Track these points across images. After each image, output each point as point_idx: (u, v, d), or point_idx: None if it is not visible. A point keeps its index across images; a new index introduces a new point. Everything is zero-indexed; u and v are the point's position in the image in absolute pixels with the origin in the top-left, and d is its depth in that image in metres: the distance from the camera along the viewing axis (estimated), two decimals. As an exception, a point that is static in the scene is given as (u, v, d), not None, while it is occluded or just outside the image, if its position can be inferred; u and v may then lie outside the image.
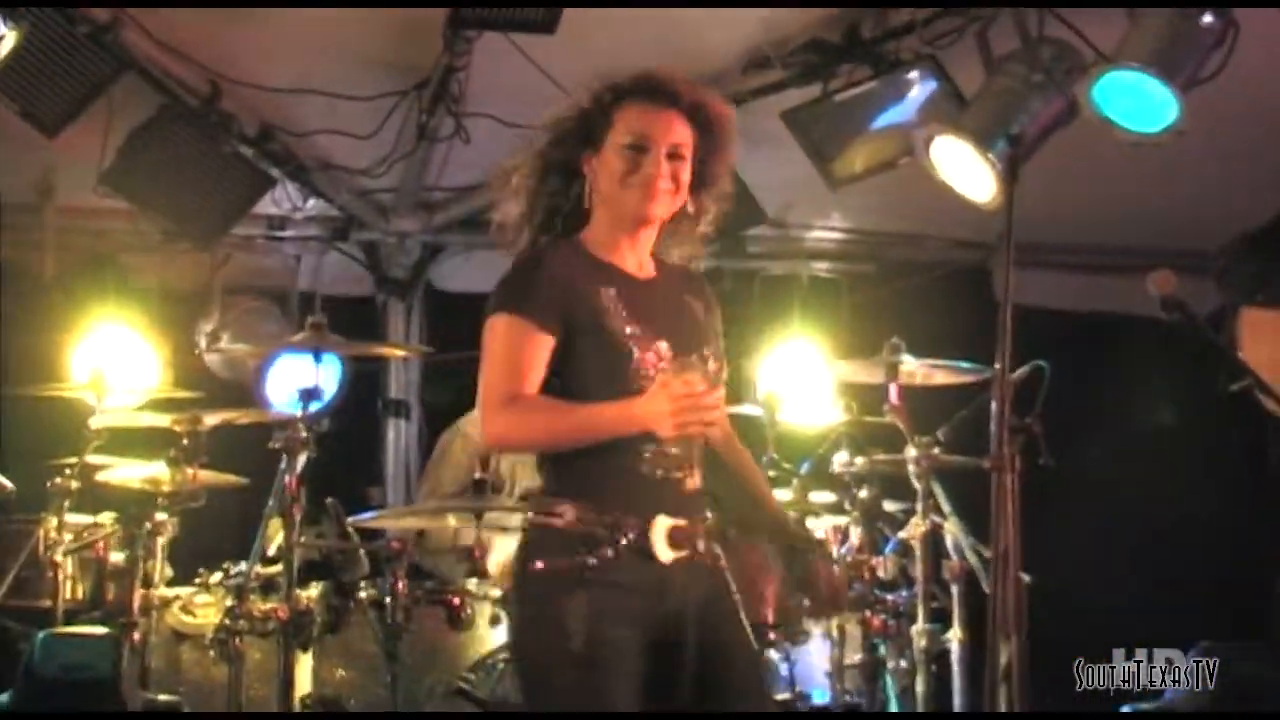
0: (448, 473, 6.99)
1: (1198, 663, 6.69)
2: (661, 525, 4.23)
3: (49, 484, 6.51)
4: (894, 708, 6.57)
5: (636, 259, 4.43)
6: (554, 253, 4.37)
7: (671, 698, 4.24)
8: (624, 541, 4.20)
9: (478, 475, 6.63)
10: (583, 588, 4.19)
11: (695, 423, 4.15)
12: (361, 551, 6.39)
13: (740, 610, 4.42)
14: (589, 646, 4.15)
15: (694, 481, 4.33)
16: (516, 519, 6.66)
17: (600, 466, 4.23)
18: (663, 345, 4.28)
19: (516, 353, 4.27)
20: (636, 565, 4.20)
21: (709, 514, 4.41)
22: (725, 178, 4.50)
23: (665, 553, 4.23)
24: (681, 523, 4.26)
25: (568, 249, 4.38)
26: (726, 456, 4.58)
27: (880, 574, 6.45)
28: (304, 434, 6.11)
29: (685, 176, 4.38)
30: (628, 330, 4.27)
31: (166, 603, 6.39)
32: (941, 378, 6.68)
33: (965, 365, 6.59)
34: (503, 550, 6.70)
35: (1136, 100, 6.57)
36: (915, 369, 6.60)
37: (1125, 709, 6.77)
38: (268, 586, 6.28)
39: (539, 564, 4.25)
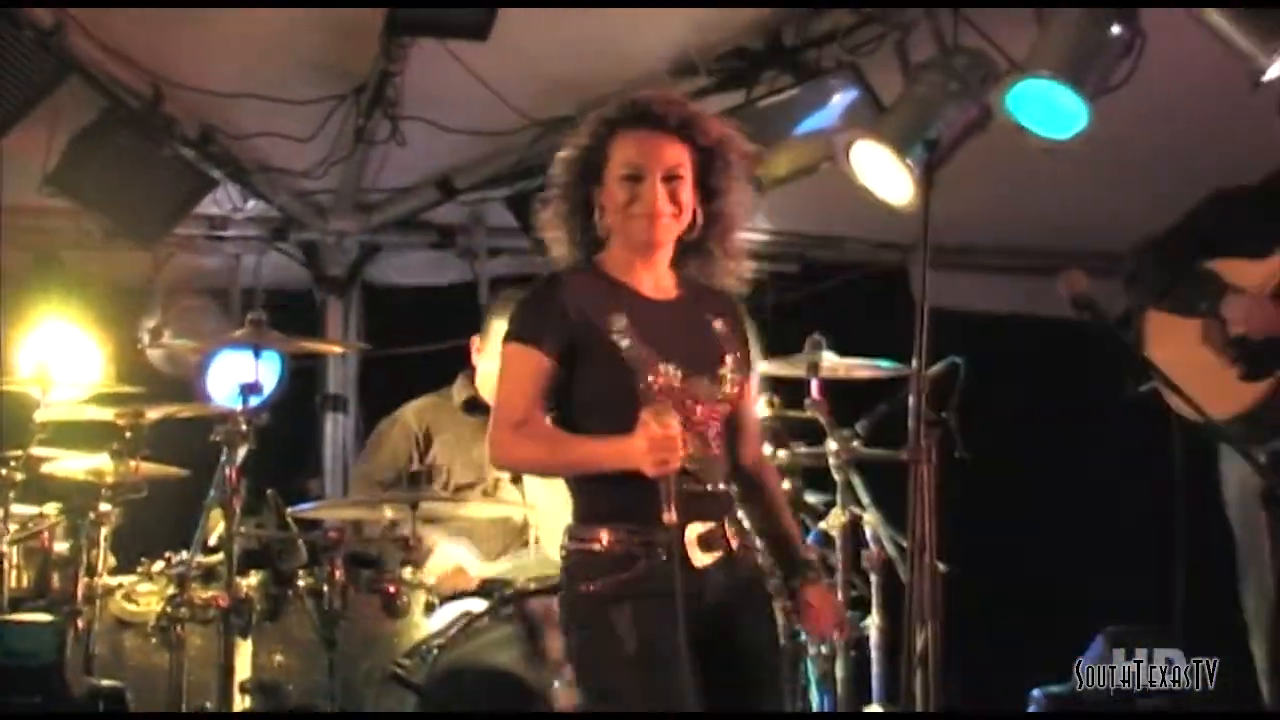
0: (385, 457, 7.06)
1: (1105, 646, 6.91)
2: (692, 533, 4.38)
3: (-6, 476, 6.53)
4: (814, 693, 6.69)
5: (653, 280, 4.53)
6: (570, 278, 4.49)
7: (719, 692, 4.37)
8: (660, 555, 4.34)
9: (414, 467, 6.74)
10: (628, 601, 4.35)
11: (672, 462, 4.23)
12: (300, 541, 6.42)
13: (771, 600, 4.64)
14: (643, 649, 4.31)
15: (717, 483, 4.47)
16: (448, 509, 6.84)
17: (626, 483, 4.32)
18: (671, 367, 4.39)
19: (524, 381, 4.41)
20: (673, 574, 4.30)
21: (737, 512, 4.58)
22: (733, 190, 4.56)
23: (700, 558, 4.39)
24: (710, 526, 4.41)
25: (585, 274, 4.50)
26: (755, 479, 4.73)
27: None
28: (244, 427, 6.24)
29: (686, 196, 4.46)
30: (637, 353, 4.38)
31: (110, 591, 6.41)
32: (861, 374, 6.81)
33: (884, 362, 6.72)
34: (442, 556, 6.85)
35: (1048, 107, 6.72)
36: (836, 365, 6.74)
37: (1035, 692, 6.97)
38: (208, 575, 6.34)
39: (585, 587, 4.42)
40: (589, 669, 4.44)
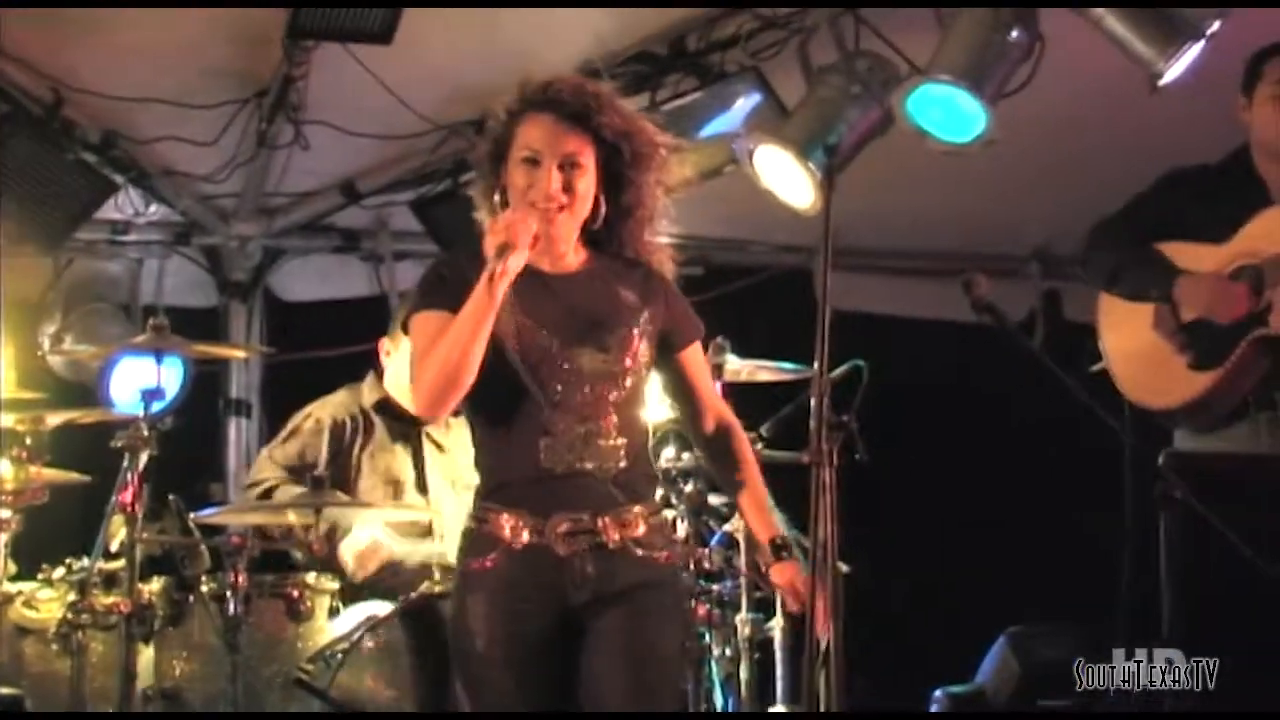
0: (293, 447, 7.03)
1: (1007, 647, 6.99)
2: (555, 523, 4.36)
3: (-107, 484, 6.44)
4: (718, 694, 6.72)
5: (553, 256, 4.49)
6: (470, 257, 4.44)
7: (580, 691, 4.38)
8: (523, 541, 4.35)
9: (318, 471, 6.70)
10: (482, 589, 4.37)
11: (515, 240, 4.22)
12: (203, 546, 6.42)
13: (670, 602, 4.53)
14: (489, 645, 4.34)
15: (605, 469, 4.41)
16: (351, 514, 6.82)
17: (505, 464, 4.38)
18: (551, 339, 4.38)
19: (429, 340, 4.36)
20: (536, 563, 4.34)
21: (635, 502, 4.46)
22: (642, 182, 4.52)
23: (561, 548, 4.36)
24: (579, 516, 4.37)
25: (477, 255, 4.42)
26: (719, 447, 4.72)
27: (705, 565, 6.55)
28: (146, 433, 6.19)
29: (584, 186, 4.43)
30: (514, 323, 4.35)
31: (9, 598, 6.35)
32: (765, 376, 6.81)
33: (787, 365, 6.73)
34: (357, 536, 6.82)
35: (948, 111, 6.78)
36: (740, 368, 6.73)
37: (937, 692, 7.03)
38: (110, 581, 6.28)
39: (461, 564, 4.47)
40: (455, 652, 4.47)
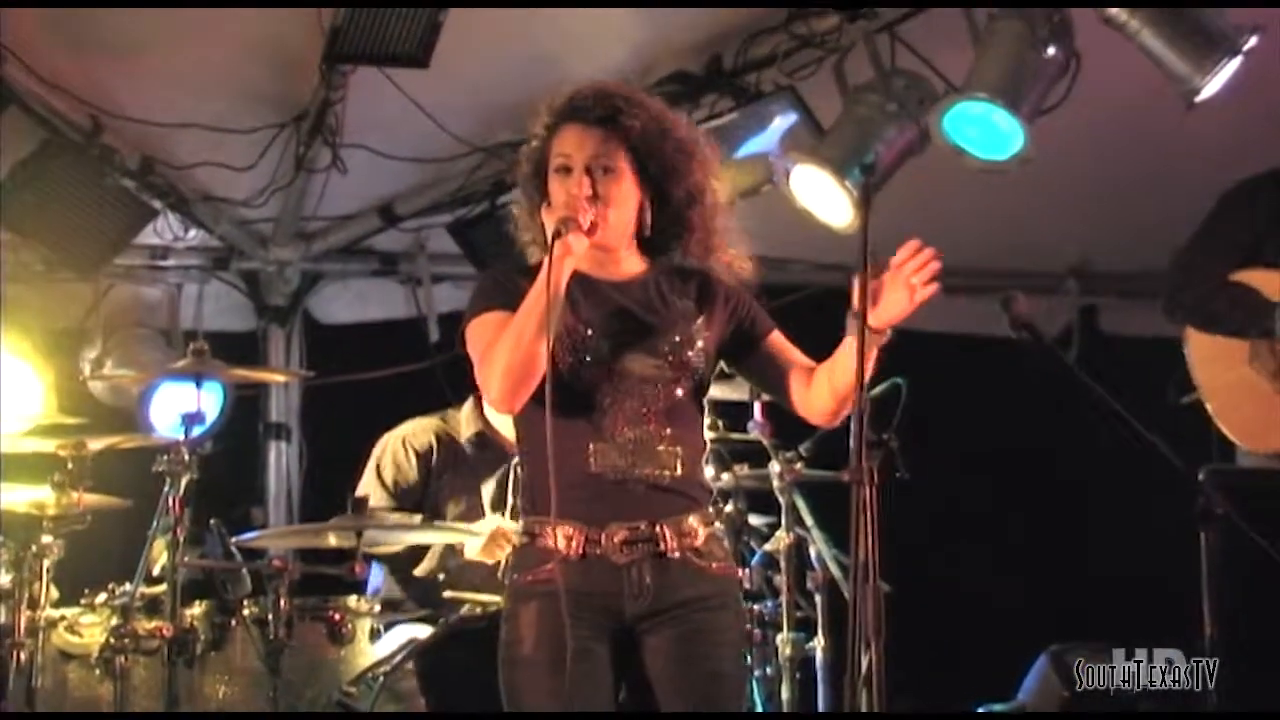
0: (388, 474, 6.99)
1: (1049, 665, 6.96)
2: (611, 532, 4.32)
3: (-64, 510, 6.46)
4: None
5: (607, 263, 4.46)
6: (510, 268, 4.47)
7: (634, 698, 4.37)
8: (579, 551, 4.31)
9: (358, 494, 6.68)
10: (536, 598, 4.32)
11: (576, 212, 4.24)
12: (244, 570, 6.44)
13: (733, 621, 4.48)
14: (536, 650, 4.29)
15: (661, 477, 4.37)
16: (395, 536, 6.82)
17: (556, 476, 4.24)
18: (596, 340, 4.35)
19: (493, 336, 4.33)
20: (593, 574, 4.30)
21: (692, 511, 4.41)
22: (687, 173, 4.46)
23: (619, 557, 4.33)
24: (636, 525, 4.33)
25: (526, 269, 4.41)
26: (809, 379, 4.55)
27: (747, 585, 6.54)
28: (187, 457, 6.22)
29: (617, 190, 4.37)
30: (564, 327, 4.29)
31: (52, 623, 6.35)
32: (804, 396, 6.84)
33: (827, 383, 6.75)
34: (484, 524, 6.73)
35: (984, 129, 6.77)
36: (779, 387, 6.77)
37: (980, 711, 7.01)
38: (152, 606, 6.29)
39: (510, 578, 4.44)
40: (501, 662, 4.39)
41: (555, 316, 4.24)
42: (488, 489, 6.95)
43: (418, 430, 7.05)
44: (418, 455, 6.96)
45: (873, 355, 4.35)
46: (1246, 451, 6.13)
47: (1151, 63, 6.54)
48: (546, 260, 4.24)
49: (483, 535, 6.53)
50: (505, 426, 6.82)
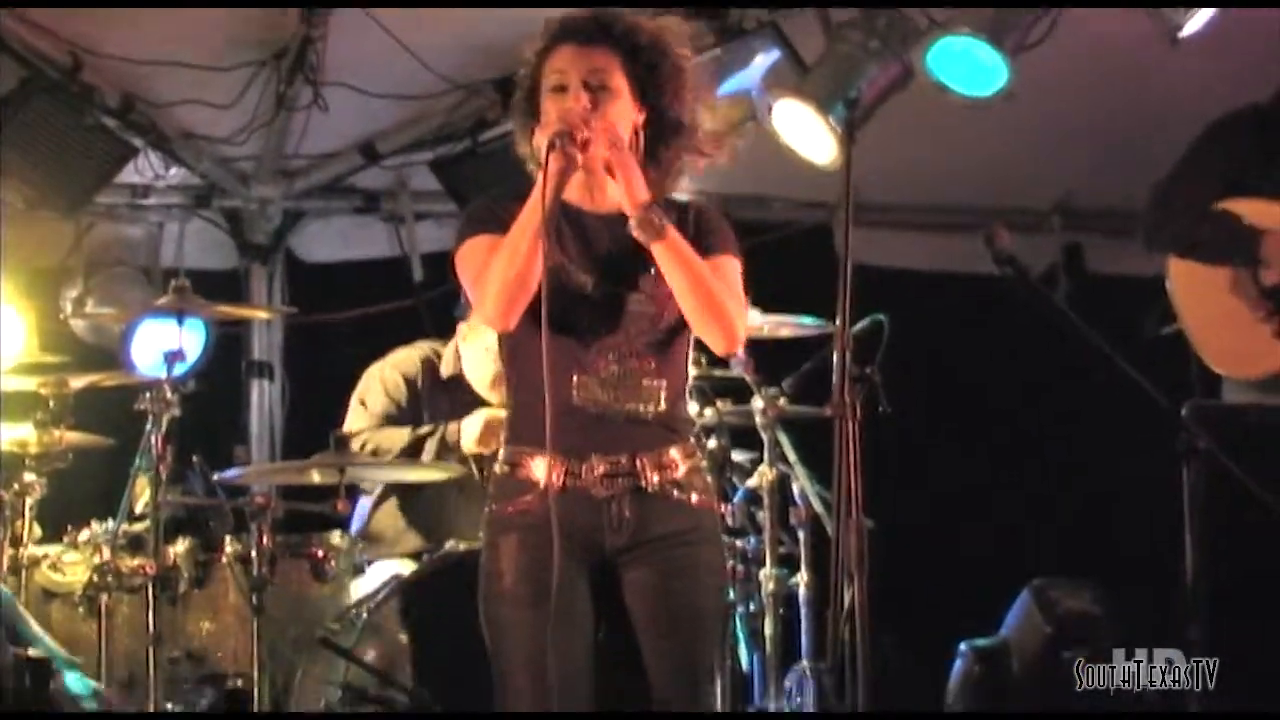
0: (378, 402, 6.99)
1: (1033, 599, 6.99)
2: (592, 465, 4.30)
3: (-83, 449, 6.47)
4: (743, 650, 6.75)
5: (595, 193, 4.42)
6: (500, 194, 4.43)
7: (614, 634, 4.35)
8: (558, 484, 4.27)
9: (337, 433, 6.68)
10: (515, 530, 4.31)
11: (572, 126, 4.19)
12: (227, 508, 6.47)
13: (712, 556, 4.45)
14: (517, 584, 4.27)
15: (643, 411, 4.35)
16: (376, 473, 6.82)
17: (539, 404, 4.21)
18: (587, 278, 4.33)
19: (482, 263, 4.32)
20: (573, 506, 4.27)
21: (673, 444, 4.39)
22: (678, 93, 4.41)
23: (599, 490, 4.32)
24: (618, 458, 4.31)
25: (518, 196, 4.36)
26: None
27: (729, 521, 6.57)
28: (169, 395, 6.23)
29: (611, 107, 4.32)
30: (554, 263, 4.25)
31: (35, 561, 6.39)
32: (786, 332, 6.79)
33: (809, 320, 6.70)
34: (472, 421, 6.73)
35: (969, 65, 6.77)
36: (761, 324, 6.67)
37: (962, 646, 7.04)
38: (135, 543, 6.32)
39: (489, 508, 4.41)
40: (482, 596, 4.38)
41: (552, 229, 4.24)
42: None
43: (405, 357, 7.06)
44: (405, 380, 6.97)
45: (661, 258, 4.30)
46: (1232, 386, 6.13)
47: (1135, -1, 6.54)
48: (541, 174, 4.23)
49: (478, 424, 6.54)
50: (478, 379, 6.88)
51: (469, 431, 6.59)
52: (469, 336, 6.87)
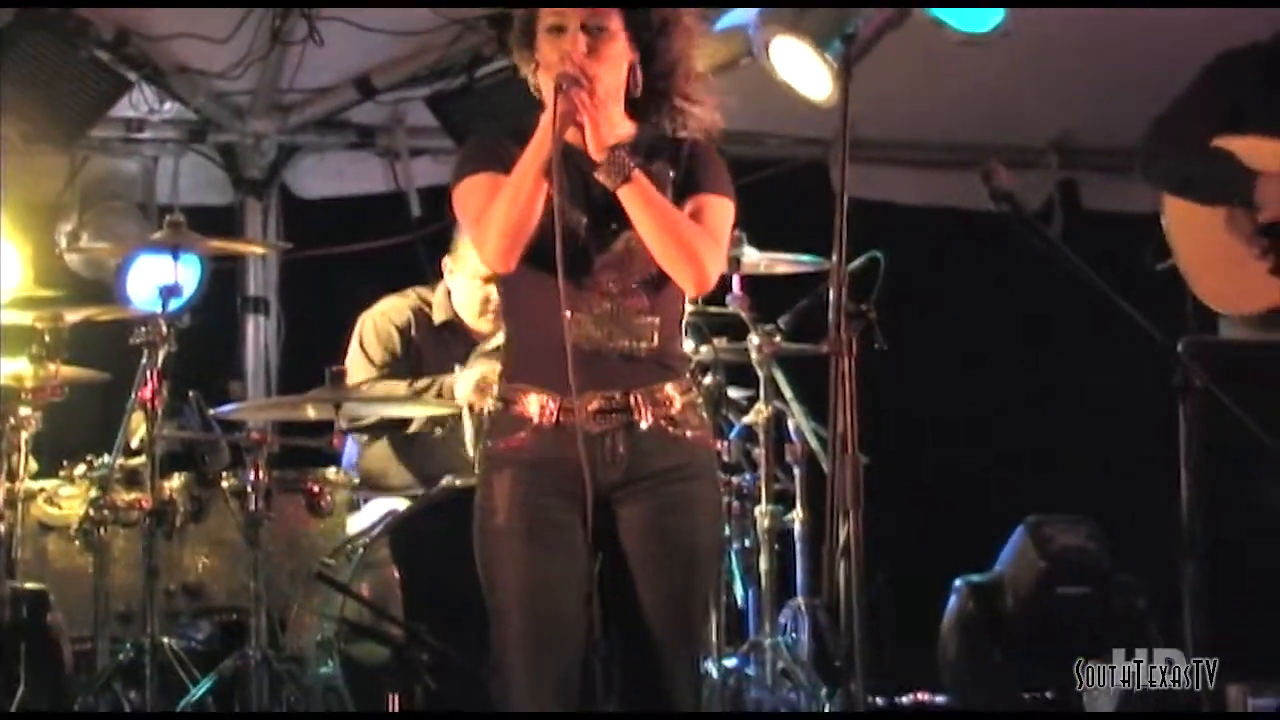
0: (376, 350, 6.99)
1: (1028, 535, 7.01)
2: (585, 401, 4.26)
3: (-89, 383, 6.47)
4: (738, 586, 6.77)
5: (586, 132, 4.35)
6: (498, 130, 4.43)
7: (609, 569, 4.33)
8: (552, 420, 4.29)
9: (334, 369, 6.67)
10: (509, 466, 4.31)
11: (575, 65, 4.19)
12: (223, 442, 6.48)
13: (708, 493, 4.43)
14: (511, 519, 4.27)
15: (637, 348, 4.34)
16: (373, 409, 6.83)
17: (535, 341, 4.28)
18: (577, 212, 4.30)
19: (485, 197, 4.32)
20: (567, 442, 4.25)
21: (668, 380, 4.37)
22: (673, 32, 4.39)
23: (593, 426, 4.29)
24: (611, 394, 4.30)
25: (529, 130, 4.32)
26: None
27: (725, 458, 6.58)
28: (165, 330, 6.23)
29: (608, 49, 4.29)
30: (554, 202, 4.23)
31: (32, 495, 6.41)
32: (782, 269, 6.82)
33: (805, 257, 6.73)
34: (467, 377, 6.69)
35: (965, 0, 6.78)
36: (757, 260, 6.73)
37: (957, 581, 7.06)
38: (131, 478, 6.34)
39: (484, 444, 4.42)
40: (476, 531, 4.38)
41: (556, 172, 4.22)
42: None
43: (395, 306, 7.06)
44: (398, 329, 6.97)
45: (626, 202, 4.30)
46: (1229, 322, 6.12)
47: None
48: (550, 115, 4.21)
49: (472, 378, 6.54)
50: (471, 317, 6.91)
51: (462, 387, 6.59)
52: (455, 267, 6.88)
